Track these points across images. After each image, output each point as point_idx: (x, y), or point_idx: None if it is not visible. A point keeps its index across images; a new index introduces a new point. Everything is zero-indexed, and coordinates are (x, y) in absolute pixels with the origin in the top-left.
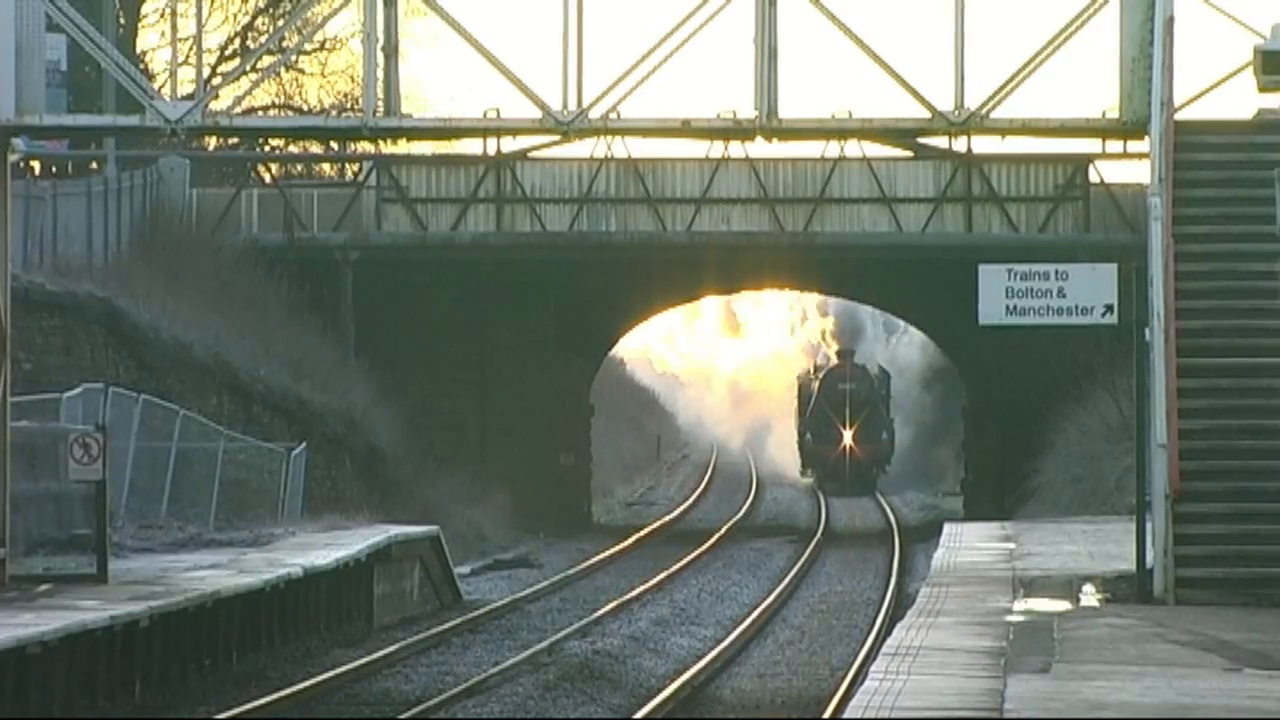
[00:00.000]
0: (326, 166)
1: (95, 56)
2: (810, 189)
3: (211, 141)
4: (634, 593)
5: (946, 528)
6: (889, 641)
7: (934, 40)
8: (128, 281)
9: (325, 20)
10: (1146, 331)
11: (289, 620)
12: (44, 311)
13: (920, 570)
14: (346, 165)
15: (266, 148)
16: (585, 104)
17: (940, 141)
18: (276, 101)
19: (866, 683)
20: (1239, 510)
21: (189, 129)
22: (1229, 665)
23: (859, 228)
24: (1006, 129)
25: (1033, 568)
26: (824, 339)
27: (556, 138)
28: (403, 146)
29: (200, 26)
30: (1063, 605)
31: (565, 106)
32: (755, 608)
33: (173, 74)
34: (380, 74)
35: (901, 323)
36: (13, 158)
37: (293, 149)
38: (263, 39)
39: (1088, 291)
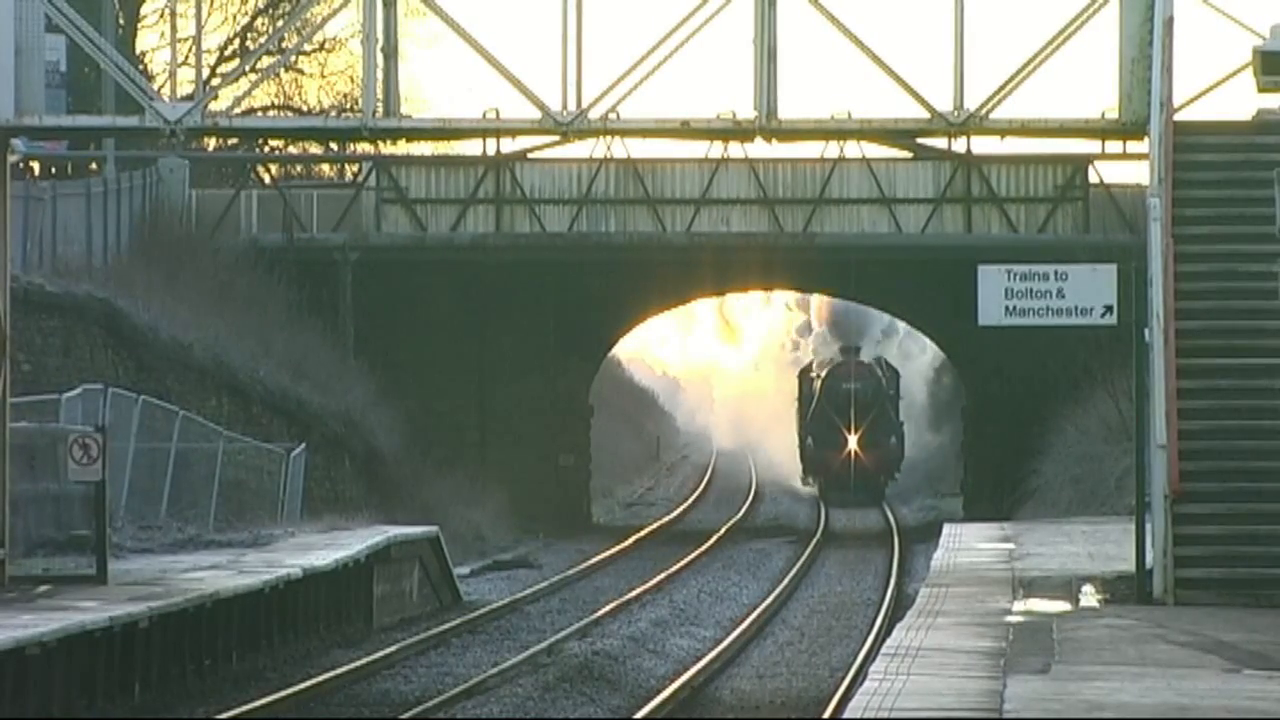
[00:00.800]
0: (326, 167)
1: (94, 57)
2: (810, 190)
3: (211, 142)
4: (633, 593)
5: (946, 528)
6: (888, 642)
7: (933, 41)
8: (127, 282)
9: (325, 21)
10: (1146, 332)
11: (288, 621)
12: (43, 312)
13: (920, 571)
14: (346, 166)
15: (266, 148)
16: (584, 105)
17: (939, 142)
18: (276, 102)
19: (866, 683)
20: (1238, 511)
21: (188, 130)
22: (1228, 666)
23: (858, 228)
24: (1006, 129)
25: (1032, 568)
26: (806, 337)
27: (556, 138)
28: (402, 147)
29: (199, 27)
30: (1062, 606)
31: (564, 107)
32: (755, 608)
33: (172, 75)
34: (380, 75)
35: None
36: (12, 158)
37: (292, 150)
38: (262, 40)
39: (1087, 292)
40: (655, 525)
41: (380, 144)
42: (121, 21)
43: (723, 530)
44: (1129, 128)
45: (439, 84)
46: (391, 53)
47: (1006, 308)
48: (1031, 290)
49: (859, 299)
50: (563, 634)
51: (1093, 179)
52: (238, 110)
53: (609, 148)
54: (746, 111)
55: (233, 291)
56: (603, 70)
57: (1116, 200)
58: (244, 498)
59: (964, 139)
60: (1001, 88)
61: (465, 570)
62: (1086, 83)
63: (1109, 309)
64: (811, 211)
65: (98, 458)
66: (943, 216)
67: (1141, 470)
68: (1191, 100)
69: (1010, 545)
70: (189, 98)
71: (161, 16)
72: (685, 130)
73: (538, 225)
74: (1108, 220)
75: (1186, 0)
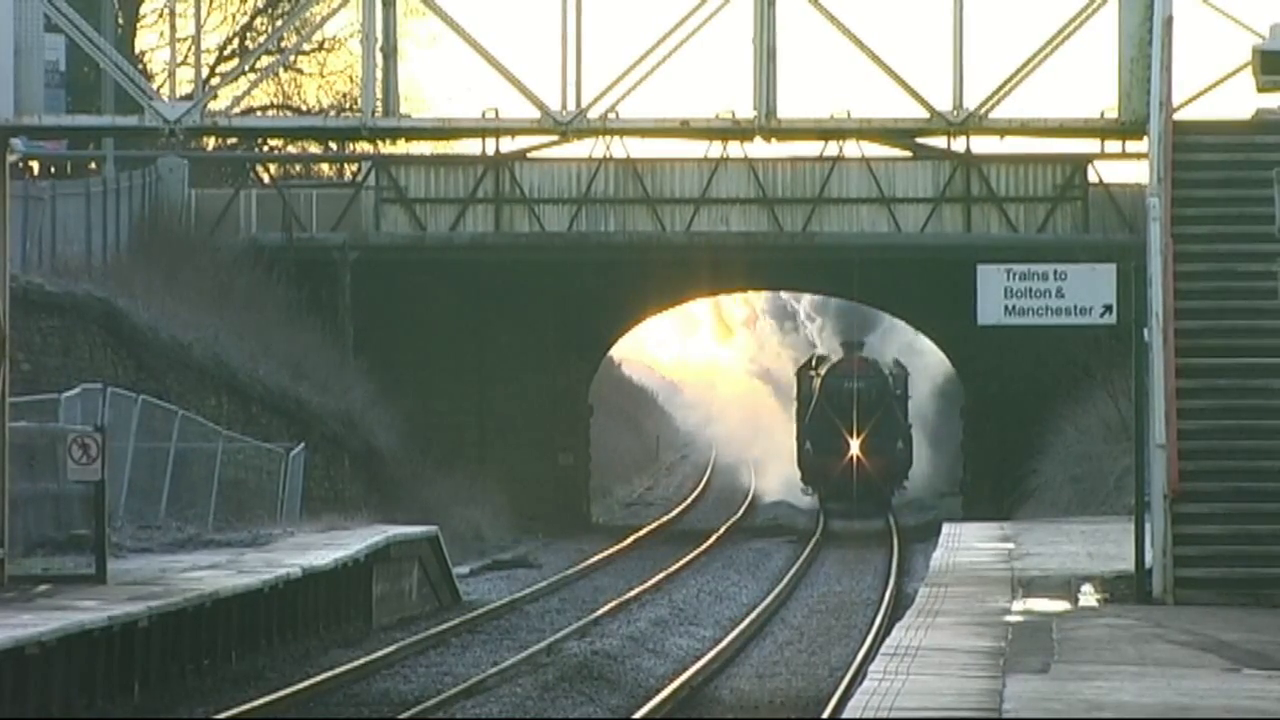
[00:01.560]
0: (325, 167)
1: (94, 57)
2: (809, 189)
3: (210, 142)
4: (633, 593)
5: (945, 528)
6: (888, 642)
7: (932, 40)
8: (126, 282)
9: (324, 20)
10: (1145, 332)
11: (288, 621)
12: (43, 312)
13: (919, 570)
14: (345, 165)
15: (265, 148)
16: (584, 104)
17: (939, 142)
18: (275, 102)
19: (865, 683)
20: (1238, 510)
21: (187, 129)
22: (1228, 665)
23: (858, 228)
24: (1005, 129)
25: (1032, 568)
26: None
27: (555, 138)
28: (401, 147)
29: (199, 27)
30: (1062, 605)
31: (564, 107)
32: (754, 608)
33: (171, 74)
34: (379, 74)
35: None
36: (11, 158)
37: (291, 149)
38: (261, 39)
39: (1086, 292)
40: (654, 524)
41: (379, 143)
42: (121, 21)
43: (722, 529)
44: (1128, 127)
45: (438, 84)
46: (391, 52)
47: (1006, 307)
48: (1031, 290)
49: (858, 299)
50: (562, 633)
51: (1092, 178)
52: (237, 110)
53: (608, 147)
54: (746, 111)
55: (232, 291)
56: (602, 70)
57: (1116, 200)
58: (243, 497)
59: (963, 138)
60: (1001, 87)
61: (464, 570)
62: (1086, 82)
63: (1108, 308)
64: (810, 211)
65: (97, 457)
66: (942, 216)
67: (1141, 470)
68: (1191, 100)
69: (1010, 545)
70: (188, 97)
71: (161, 16)
72: (684, 130)
73: (537, 225)
74: (1107, 220)
75: (1185, 0)
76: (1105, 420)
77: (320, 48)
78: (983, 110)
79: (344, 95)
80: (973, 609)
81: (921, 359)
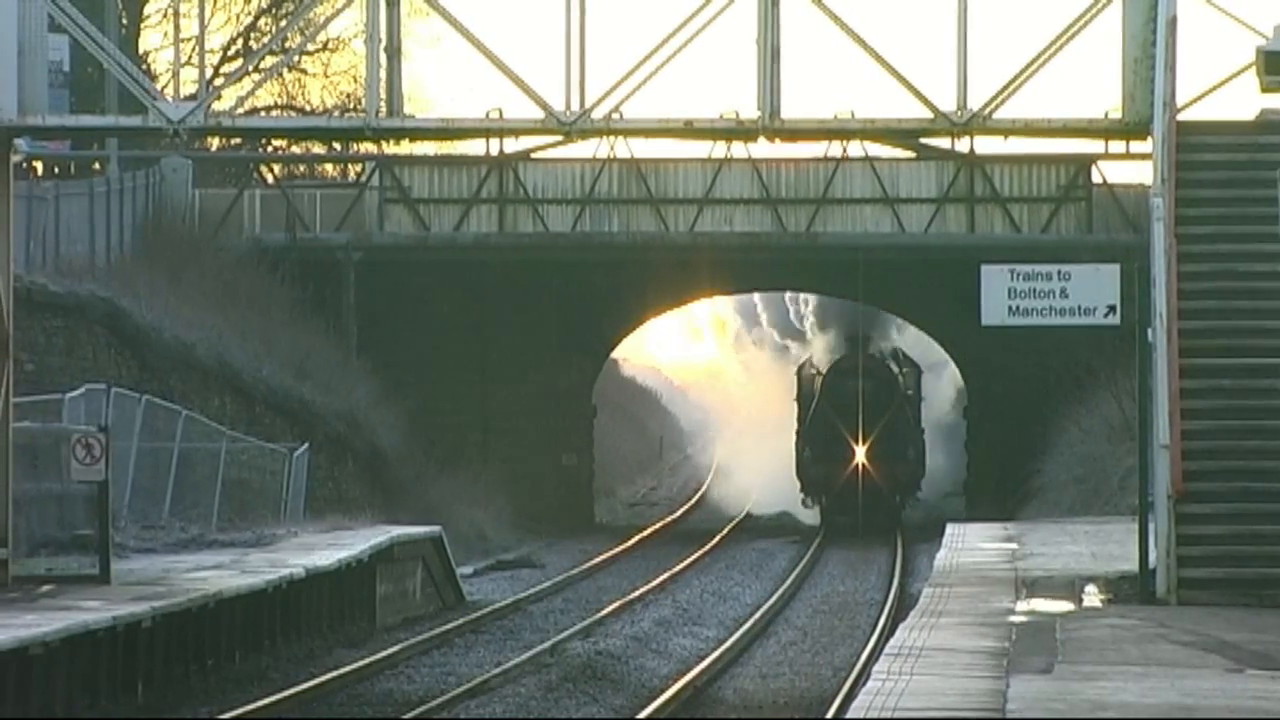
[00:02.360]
0: (329, 167)
1: (98, 57)
2: (813, 189)
3: (214, 142)
4: (636, 593)
5: (949, 528)
6: (891, 642)
7: (936, 41)
8: (130, 282)
9: (328, 21)
10: (1149, 332)
11: (291, 621)
12: (46, 312)
13: (923, 571)
14: (349, 166)
15: (269, 148)
16: (588, 104)
17: (943, 142)
18: (279, 102)
19: (869, 683)
20: (1242, 511)
21: (191, 129)
22: (1231, 666)
23: (861, 228)
24: (1009, 129)
25: (1035, 568)
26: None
27: (559, 138)
28: (405, 147)
29: (203, 27)
30: (1065, 606)
31: (568, 107)
32: (758, 608)
33: (175, 74)
34: (383, 74)
35: None
36: (15, 158)
37: (295, 149)
38: (265, 39)
39: (1090, 292)
40: (659, 524)
41: (383, 144)
42: (125, 21)
43: (726, 530)
44: (1132, 127)
45: (442, 84)
46: (394, 52)
47: (1010, 308)
48: (1035, 290)
49: (861, 300)
50: (566, 634)
51: (1096, 179)
52: (241, 110)
53: (612, 148)
54: (750, 111)
55: (236, 291)
56: (606, 70)
57: (1120, 200)
58: (247, 497)
59: (967, 139)
60: (1005, 88)
61: (468, 570)
62: (1090, 82)
63: (1112, 309)
64: (814, 211)
65: (101, 457)
66: (946, 216)
67: (1144, 470)
68: (1195, 100)
69: (1013, 545)
70: (192, 97)
71: (165, 16)
72: (688, 130)
73: (541, 225)
74: (1111, 220)
75: (1189, 0)
76: (1109, 420)
77: (324, 48)
78: (987, 111)
79: (348, 95)
80: (976, 609)
81: (937, 354)
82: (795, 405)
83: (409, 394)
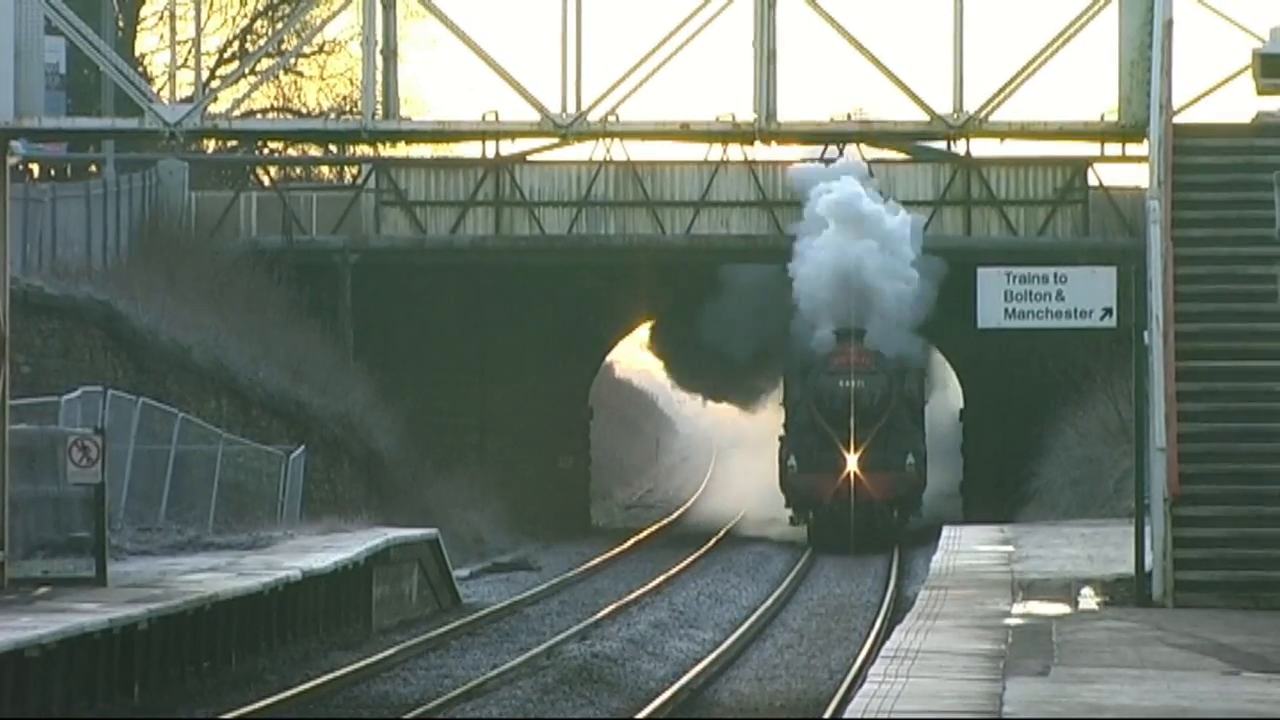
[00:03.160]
0: (325, 169)
1: (94, 59)
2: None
3: (210, 144)
4: (632, 596)
5: (945, 530)
6: (888, 644)
7: (933, 43)
8: (127, 284)
9: (324, 23)
10: (1145, 335)
11: (287, 623)
12: (43, 314)
13: (919, 573)
14: (345, 168)
15: (265, 151)
16: (584, 107)
17: (939, 145)
18: (275, 104)
19: (865, 685)
20: (1238, 513)
21: (188, 132)
22: (1228, 669)
23: None
24: (1005, 132)
25: (1031, 571)
26: None
27: (555, 141)
28: (401, 150)
29: (199, 29)
30: (1061, 608)
31: (564, 110)
32: (754, 610)
33: (171, 77)
34: (379, 77)
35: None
36: (11, 160)
37: (291, 152)
38: (261, 42)
39: (1086, 295)
40: (654, 527)
41: (380, 146)
42: (121, 24)
43: (721, 533)
44: (1128, 130)
45: (438, 87)
46: (391, 55)
47: (1006, 310)
48: (1031, 293)
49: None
50: (562, 636)
51: (1092, 181)
52: (237, 112)
53: (608, 150)
54: (746, 114)
55: (232, 294)
56: (602, 73)
57: (1116, 203)
58: (243, 500)
59: (963, 141)
60: (1001, 90)
61: (464, 572)
62: (1086, 85)
63: (1108, 311)
64: None
65: (97, 460)
66: (942, 219)
67: (1141, 473)
68: (1191, 103)
69: (1009, 548)
70: (188, 100)
71: (161, 19)
72: (685, 133)
73: (537, 228)
74: (1107, 223)
75: (1185, 3)
76: (1105, 423)
77: (320, 50)
78: (983, 113)
79: (344, 98)
80: (973, 612)
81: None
82: (781, 409)
83: (405, 396)
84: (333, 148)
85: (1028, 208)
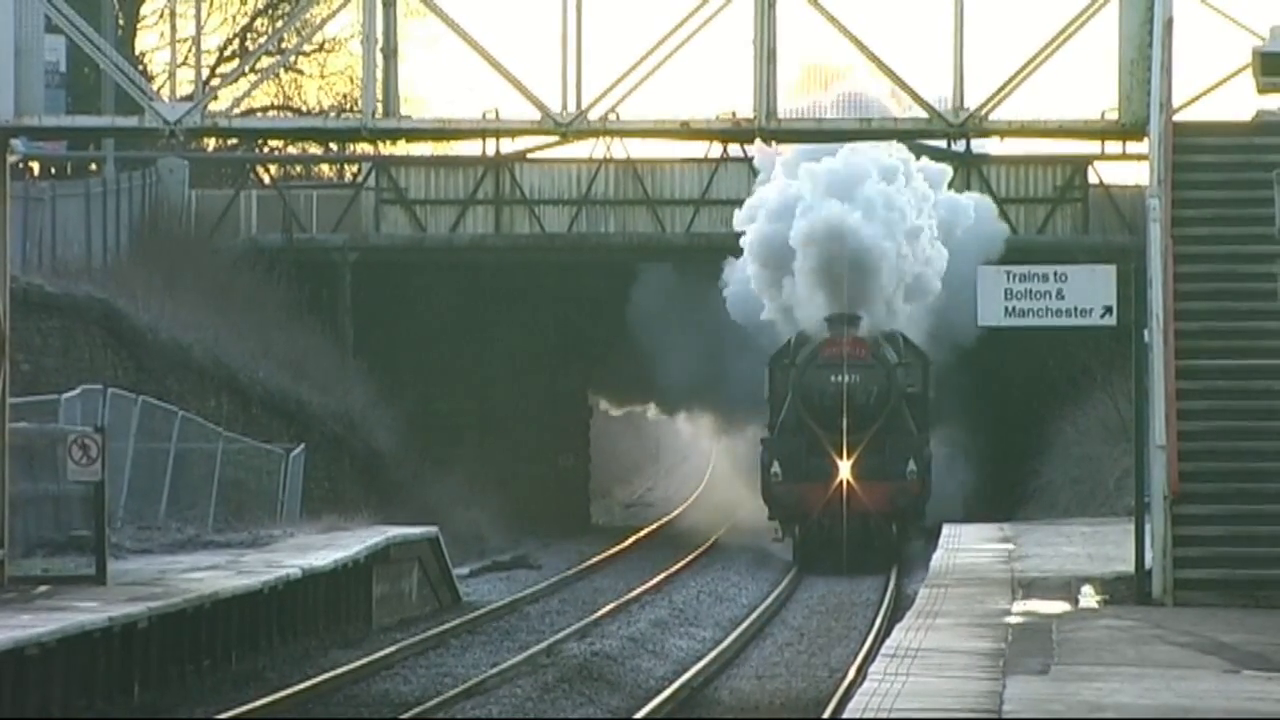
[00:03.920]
0: (325, 168)
1: (94, 58)
2: None
3: (210, 143)
4: (632, 594)
5: (945, 529)
6: (888, 643)
7: (933, 41)
8: (126, 283)
9: (324, 21)
10: (1145, 333)
11: (287, 621)
12: (42, 313)
13: (919, 571)
14: (345, 166)
15: (265, 149)
16: (584, 105)
17: (939, 142)
18: (275, 103)
19: (865, 684)
20: (1238, 512)
21: (188, 130)
22: (1228, 667)
23: None
24: (1005, 130)
25: (1031, 569)
26: None
27: (555, 139)
28: (401, 148)
29: (199, 28)
30: (1061, 607)
31: (564, 108)
32: (754, 609)
33: (171, 75)
34: (379, 75)
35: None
36: (11, 159)
37: (291, 150)
38: (262, 40)
39: (1086, 293)
40: (655, 525)
41: (380, 144)
42: (121, 22)
43: (722, 530)
44: (1128, 128)
45: (438, 85)
46: (391, 53)
47: (1006, 308)
48: (1031, 291)
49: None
50: (562, 634)
51: (1092, 180)
52: (237, 111)
53: (608, 148)
54: (746, 112)
55: (232, 292)
56: (602, 71)
57: (1116, 201)
58: (243, 498)
59: (963, 140)
60: (1001, 89)
61: (464, 571)
62: (1086, 84)
63: (1108, 310)
64: None
65: (97, 458)
66: None
67: (1141, 471)
68: (1191, 101)
69: (1009, 546)
70: (188, 98)
71: (161, 17)
72: (684, 131)
73: (537, 226)
74: (1107, 221)
75: (1186, 1)
76: (1105, 421)
77: (320, 49)
78: (983, 111)
79: (344, 96)
80: (973, 610)
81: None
82: (768, 407)
83: (406, 395)
84: (333, 146)
85: (1028, 206)
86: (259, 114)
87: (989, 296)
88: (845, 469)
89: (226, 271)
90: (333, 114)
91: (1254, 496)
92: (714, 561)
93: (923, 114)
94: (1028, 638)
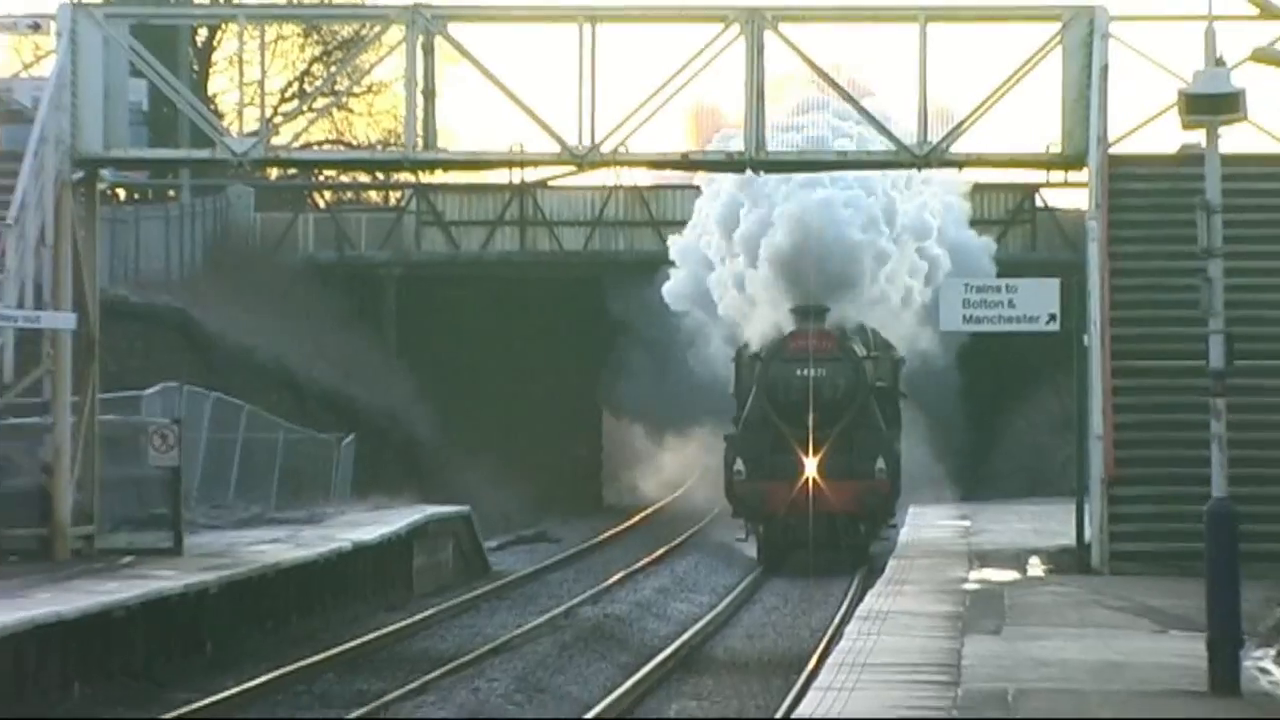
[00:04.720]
0: (373, 194)
1: (172, 98)
2: None
3: (273, 172)
4: (639, 564)
5: (911, 509)
6: (861, 607)
7: (900, 82)
8: (200, 294)
9: (372, 67)
10: (1085, 337)
11: (339, 588)
12: (127, 320)
13: (888, 545)
14: (390, 193)
15: (321, 177)
16: (598, 140)
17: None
18: (329, 137)
19: (842, 642)
20: (1165, 493)
21: (253, 161)
22: (1157, 628)
23: None
24: (964, 161)
25: (986, 543)
26: None
27: (572, 168)
28: (439, 176)
29: (264, 72)
30: (1012, 575)
31: (580, 142)
32: (745, 577)
33: (239, 113)
34: (420, 113)
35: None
36: (101, 186)
37: (343, 178)
38: (318, 83)
39: (1034, 302)
40: (659, 504)
41: (420, 173)
42: (195, 67)
43: (716, 510)
44: (1070, 160)
45: (471, 122)
46: (430, 94)
47: (964, 316)
48: (986, 300)
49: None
50: (578, 600)
51: (1039, 204)
52: (296, 144)
53: (619, 176)
54: (738, 144)
55: (291, 302)
56: (613, 109)
57: (1060, 223)
58: (301, 481)
59: (927, 169)
60: (960, 124)
61: (493, 544)
62: (1033, 121)
63: (1053, 317)
64: None
65: (174, 446)
66: None
67: (1082, 457)
68: (1125, 136)
69: (967, 523)
70: (254, 133)
71: (230, 63)
72: (684, 162)
73: (557, 244)
74: (1052, 240)
75: (1121, 49)
76: (1051, 414)
77: (369, 90)
78: (944, 144)
79: (389, 131)
80: (935, 579)
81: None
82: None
83: (442, 392)
84: (379, 175)
85: (983, 227)
86: (315, 147)
87: (950, 305)
88: (811, 467)
89: (286, 284)
90: (379, 147)
91: (1180, 480)
92: (711, 535)
93: (892, 146)
94: (983, 602)
